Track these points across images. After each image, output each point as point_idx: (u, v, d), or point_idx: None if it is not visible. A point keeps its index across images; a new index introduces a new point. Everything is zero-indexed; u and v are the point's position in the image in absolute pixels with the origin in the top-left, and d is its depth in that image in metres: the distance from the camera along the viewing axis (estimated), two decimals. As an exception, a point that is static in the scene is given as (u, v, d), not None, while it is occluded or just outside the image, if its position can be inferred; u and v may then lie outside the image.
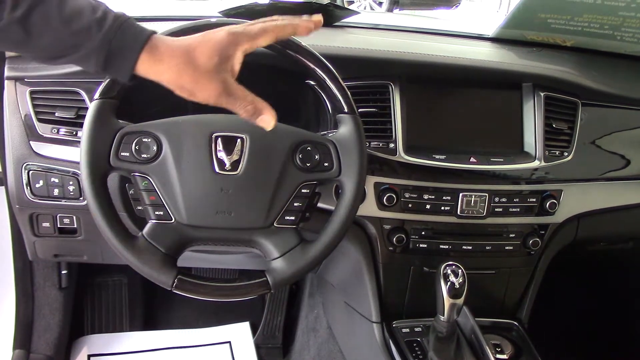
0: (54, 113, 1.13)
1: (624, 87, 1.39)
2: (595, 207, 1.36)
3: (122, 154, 0.93)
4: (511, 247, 1.30)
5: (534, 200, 1.28)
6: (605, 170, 1.36)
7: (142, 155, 0.93)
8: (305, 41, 0.99)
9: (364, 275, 1.31)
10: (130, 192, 1.01)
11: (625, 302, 2.10)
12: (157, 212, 0.94)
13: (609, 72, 1.46)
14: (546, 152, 1.25)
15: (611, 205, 1.38)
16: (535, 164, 1.24)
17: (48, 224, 1.22)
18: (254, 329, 2.02)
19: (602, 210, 1.37)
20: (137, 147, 0.93)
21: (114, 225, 0.92)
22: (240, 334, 2.00)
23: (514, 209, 1.27)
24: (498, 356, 1.24)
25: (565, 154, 1.27)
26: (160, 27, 0.96)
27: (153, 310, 2.06)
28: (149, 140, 0.94)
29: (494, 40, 1.54)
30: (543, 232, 1.32)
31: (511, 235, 1.29)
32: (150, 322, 2.03)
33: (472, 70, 1.29)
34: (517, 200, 1.26)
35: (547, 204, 1.27)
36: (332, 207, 1.01)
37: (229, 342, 1.97)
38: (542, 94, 1.25)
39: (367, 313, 1.34)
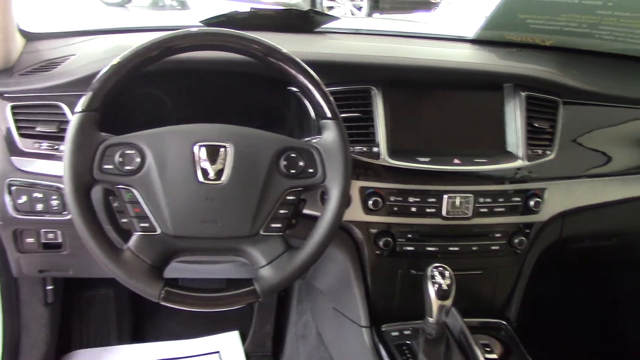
0: (35, 128, 1.12)
1: (604, 84, 1.41)
2: (579, 205, 1.37)
3: (106, 166, 0.92)
4: (497, 247, 1.31)
5: (519, 199, 1.28)
6: (588, 168, 1.37)
7: (126, 167, 0.93)
8: (286, 48, 1.00)
9: (351, 280, 1.30)
10: (115, 204, 1.00)
11: (611, 298, 2.12)
12: (142, 224, 0.94)
13: (589, 70, 1.48)
14: (529, 151, 1.25)
15: (594, 202, 1.39)
16: (519, 163, 1.25)
17: (32, 239, 1.21)
18: (243, 338, 2.01)
19: (586, 207, 1.38)
20: (120, 159, 0.92)
21: (99, 239, 0.92)
22: (230, 343, 1.99)
23: (498, 209, 1.27)
24: (487, 356, 1.25)
25: (548, 152, 1.27)
26: (141, 39, 0.96)
27: (141, 322, 2.04)
28: (133, 152, 0.93)
29: (474, 41, 1.55)
30: (528, 231, 1.32)
31: (497, 235, 1.30)
32: (138, 335, 2.01)
33: (453, 72, 1.30)
34: (501, 200, 1.27)
35: (532, 202, 1.28)
36: (318, 213, 1.01)
37: (218, 352, 1.96)
38: (523, 94, 1.26)
39: (356, 318, 1.34)
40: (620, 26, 1.45)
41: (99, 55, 1.17)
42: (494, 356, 1.27)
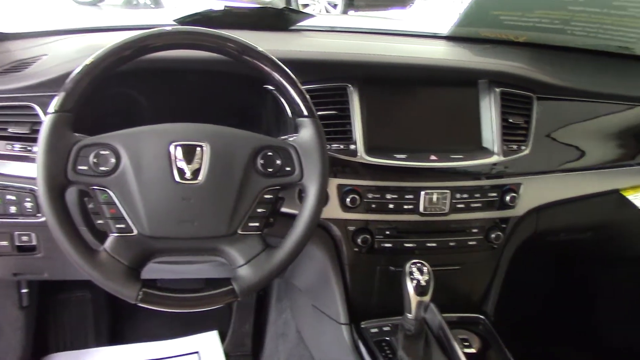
0: (7, 129, 1.10)
1: (577, 80, 1.42)
2: (554, 199, 1.39)
3: (80, 167, 0.91)
4: (474, 242, 1.32)
5: (495, 194, 1.29)
6: (562, 162, 1.38)
7: (101, 168, 0.92)
8: (262, 46, 0.99)
9: (330, 277, 1.31)
10: (90, 205, 0.99)
11: (587, 291, 2.15)
12: (118, 225, 0.93)
13: (562, 65, 1.50)
14: (504, 146, 1.26)
15: (569, 196, 1.41)
16: (494, 159, 1.25)
17: (6, 242, 1.19)
18: (222, 337, 2.00)
19: (561, 201, 1.40)
20: (95, 160, 0.91)
21: (75, 241, 0.91)
22: (209, 343, 1.99)
23: (475, 204, 1.28)
24: (466, 350, 1.25)
25: (523, 147, 1.29)
26: (114, 38, 0.95)
27: (119, 324, 2.02)
28: (107, 152, 0.92)
29: (448, 38, 1.56)
30: (505, 225, 1.34)
31: (474, 231, 1.31)
32: (116, 337, 1.99)
33: (428, 69, 1.30)
34: (478, 195, 1.28)
35: (508, 197, 1.29)
36: (295, 212, 1.01)
37: (198, 352, 1.95)
38: (497, 90, 1.27)
39: (335, 315, 1.34)
40: (592, 22, 1.47)
41: (71, 55, 1.16)
42: (473, 350, 1.28)
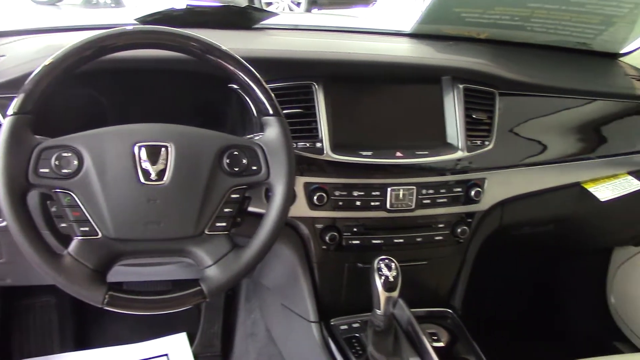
0: None
1: (537, 75, 1.45)
2: (517, 193, 1.41)
3: (42, 170, 0.89)
4: (441, 237, 1.33)
5: (460, 189, 1.31)
6: (525, 157, 1.40)
7: (63, 171, 0.90)
8: (225, 45, 0.98)
9: (299, 275, 1.31)
10: (53, 209, 0.97)
11: (550, 283, 2.19)
12: (82, 228, 0.91)
13: (523, 62, 1.52)
14: (468, 142, 1.28)
15: (532, 190, 1.43)
16: (459, 154, 1.27)
17: None
18: (191, 339, 1.99)
19: (524, 195, 1.42)
20: (57, 163, 0.90)
21: (37, 245, 0.89)
22: (178, 345, 1.97)
23: (441, 200, 1.29)
24: (435, 344, 1.27)
25: (487, 143, 1.30)
26: (74, 38, 0.93)
27: (85, 328, 1.99)
28: (69, 154, 0.90)
29: (412, 35, 1.57)
30: (470, 220, 1.35)
31: (440, 226, 1.32)
32: (82, 342, 1.96)
33: (392, 66, 1.31)
34: (443, 191, 1.29)
35: (472, 192, 1.31)
36: (263, 211, 1.00)
37: (167, 354, 1.93)
38: (461, 86, 1.28)
39: (304, 313, 1.34)
40: (551, 18, 1.49)
41: (30, 56, 1.13)
42: (441, 344, 1.29)
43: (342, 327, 1.31)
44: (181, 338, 1.99)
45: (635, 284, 1.96)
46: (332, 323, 1.32)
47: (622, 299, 2.01)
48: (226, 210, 0.96)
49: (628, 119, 1.56)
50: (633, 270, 1.96)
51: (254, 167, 0.97)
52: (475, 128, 1.30)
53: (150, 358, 1.92)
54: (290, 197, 0.99)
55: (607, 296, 2.06)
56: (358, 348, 1.25)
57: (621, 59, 1.74)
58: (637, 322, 1.96)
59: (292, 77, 1.19)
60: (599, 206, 1.46)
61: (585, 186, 1.48)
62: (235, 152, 0.96)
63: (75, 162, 0.90)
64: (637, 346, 1.95)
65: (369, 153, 1.21)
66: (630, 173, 1.55)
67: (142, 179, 0.92)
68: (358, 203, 1.24)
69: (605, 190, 1.47)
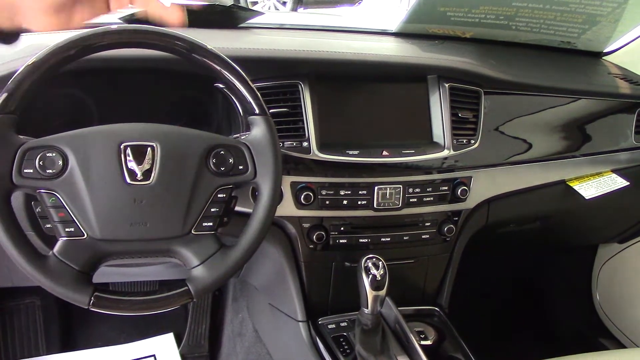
0: None
1: (522, 74, 1.45)
2: (503, 191, 1.42)
3: (26, 170, 0.88)
4: (427, 236, 1.34)
5: (446, 188, 1.31)
6: (510, 155, 1.41)
7: (47, 171, 0.89)
8: (211, 44, 0.98)
9: (286, 275, 1.31)
10: (37, 209, 0.96)
11: (536, 279, 2.20)
12: (67, 229, 0.90)
13: (508, 60, 1.53)
14: (454, 141, 1.28)
15: (517, 188, 1.44)
16: (445, 153, 1.27)
17: None
18: (178, 340, 1.98)
19: (509, 193, 1.43)
20: (41, 163, 0.89)
21: (22, 246, 0.88)
22: (165, 346, 1.96)
23: (427, 198, 1.30)
24: (422, 342, 1.27)
25: (472, 141, 1.31)
26: (59, 37, 0.92)
27: (71, 330, 1.98)
28: (54, 154, 0.89)
29: (397, 35, 1.58)
30: (456, 218, 1.36)
31: (427, 224, 1.33)
32: (68, 343, 1.95)
33: (378, 65, 1.31)
34: (430, 189, 1.29)
35: (459, 191, 1.31)
36: (250, 210, 1.00)
37: (154, 355, 1.93)
38: (446, 85, 1.29)
39: (292, 313, 1.34)
40: (535, 18, 1.50)
41: (12, 55, 1.12)
42: (429, 342, 1.29)
43: (330, 326, 1.31)
44: (168, 338, 1.98)
45: (620, 280, 1.98)
46: (319, 322, 1.32)
47: (607, 295, 2.03)
48: (213, 210, 0.96)
49: (612, 117, 1.57)
50: (618, 267, 1.98)
51: (241, 167, 0.97)
52: (461, 127, 1.30)
53: (137, 359, 1.91)
54: (277, 197, 0.98)
55: (592, 293, 2.08)
56: (346, 347, 1.25)
57: (605, 57, 1.76)
58: (621, 319, 1.98)
59: (278, 76, 1.19)
60: (584, 204, 1.47)
61: (570, 184, 1.49)
62: (222, 152, 0.96)
63: (60, 162, 0.90)
64: (622, 342, 1.97)
65: (356, 152, 1.21)
66: (614, 171, 1.56)
67: (128, 179, 0.91)
68: (345, 202, 1.24)
69: (590, 188, 1.49)
